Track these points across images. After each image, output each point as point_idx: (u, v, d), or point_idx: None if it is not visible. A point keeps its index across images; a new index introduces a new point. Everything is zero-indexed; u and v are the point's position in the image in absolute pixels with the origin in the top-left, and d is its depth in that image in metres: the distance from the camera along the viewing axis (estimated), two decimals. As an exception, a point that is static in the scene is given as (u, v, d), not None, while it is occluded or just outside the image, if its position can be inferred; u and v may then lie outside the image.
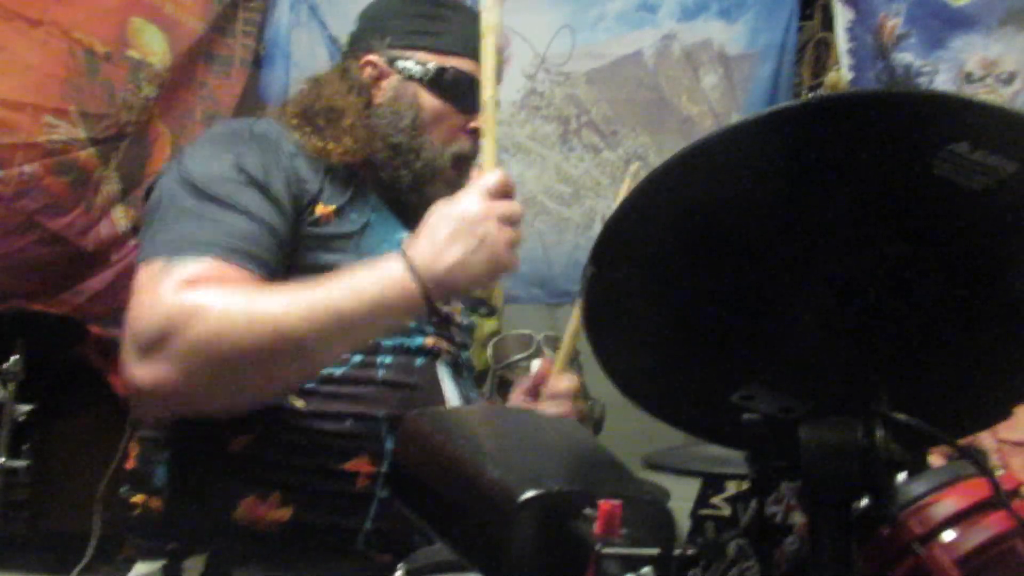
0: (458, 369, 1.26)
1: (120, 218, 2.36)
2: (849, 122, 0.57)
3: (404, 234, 1.25)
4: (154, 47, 2.35)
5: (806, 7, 2.76)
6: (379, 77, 1.31)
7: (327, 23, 2.78)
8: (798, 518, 0.68)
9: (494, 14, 1.17)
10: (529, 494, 0.62)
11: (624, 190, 1.23)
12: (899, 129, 0.57)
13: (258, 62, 2.71)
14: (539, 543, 0.62)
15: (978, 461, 0.65)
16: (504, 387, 2.26)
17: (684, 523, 2.22)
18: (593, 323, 0.66)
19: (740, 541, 0.67)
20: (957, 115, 0.56)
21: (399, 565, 0.93)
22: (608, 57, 2.80)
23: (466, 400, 1.23)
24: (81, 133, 2.20)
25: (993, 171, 0.56)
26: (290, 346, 1.01)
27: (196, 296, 1.01)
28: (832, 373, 0.64)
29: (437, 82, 1.29)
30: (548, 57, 2.80)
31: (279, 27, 2.76)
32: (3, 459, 2.16)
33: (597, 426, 2.27)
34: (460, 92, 1.29)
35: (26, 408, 2.21)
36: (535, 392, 1.35)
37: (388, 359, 1.16)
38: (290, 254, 1.14)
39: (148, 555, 1.12)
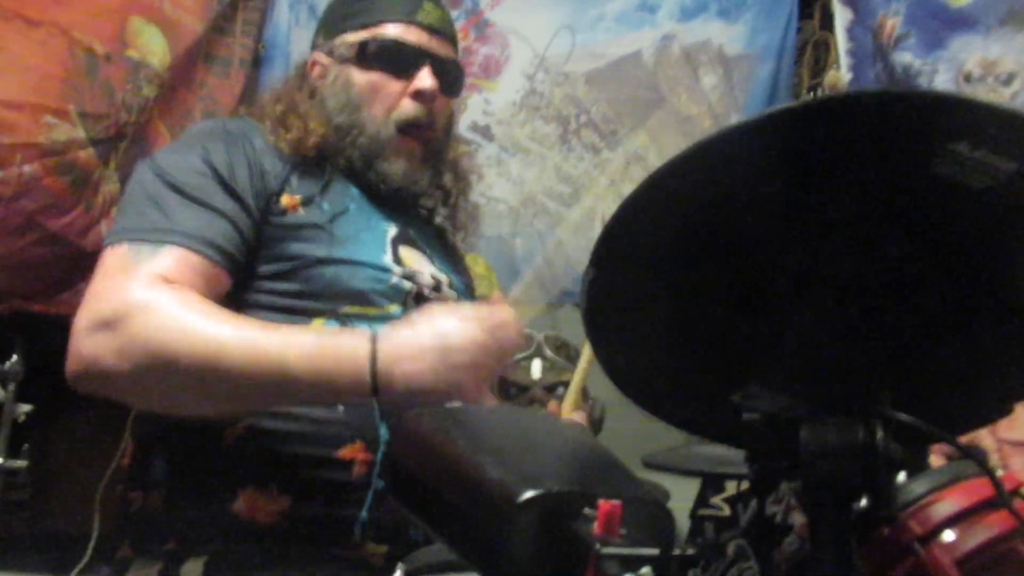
0: None
1: (120, 218, 2.36)
2: (849, 122, 0.57)
3: (384, 220, 1.27)
4: (154, 47, 2.35)
5: (805, 7, 2.76)
6: (323, 73, 1.34)
7: (327, 23, 2.78)
8: (798, 518, 0.68)
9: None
10: (529, 494, 0.62)
11: None
12: (899, 129, 0.56)
13: (257, 62, 2.71)
14: (538, 543, 0.62)
15: (979, 460, 0.65)
16: (504, 387, 2.26)
17: (683, 523, 2.22)
18: (594, 324, 0.66)
19: (740, 541, 0.67)
20: (957, 114, 0.56)
21: (398, 565, 0.93)
22: (607, 57, 2.80)
23: None
24: (81, 133, 2.20)
25: (993, 171, 0.56)
26: (219, 377, 1.01)
27: (159, 293, 1.03)
28: (832, 373, 0.64)
29: (364, 55, 1.30)
30: (548, 57, 2.80)
31: (278, 27, 2.76)
32: (2, 459, 2.16)
33: (597, 426, 2.27)
34: (389, 58, 1.30)
35: (26, 408, 2.20)
36: None
37: None
38: (256, 246, 1.16)
39: (145, 555, 1.12)
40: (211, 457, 1.10)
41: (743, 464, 0.67)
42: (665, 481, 1.92)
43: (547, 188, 2.80)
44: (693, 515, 2.26)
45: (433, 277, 1.27)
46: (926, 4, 2.44)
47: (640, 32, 2.78)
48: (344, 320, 1.16)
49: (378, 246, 1.24)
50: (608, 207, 2.72)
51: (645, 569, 0.61)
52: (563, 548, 0.62)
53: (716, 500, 2.24)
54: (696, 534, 2.17)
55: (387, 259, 1.23)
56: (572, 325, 2.31)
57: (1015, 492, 0.67)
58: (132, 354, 1.00)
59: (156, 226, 1.10)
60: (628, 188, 0.60)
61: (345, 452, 1.09)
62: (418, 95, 1.30)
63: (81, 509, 2.33)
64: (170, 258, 1.07)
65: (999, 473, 0.65)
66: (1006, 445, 1.67)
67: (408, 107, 1.30)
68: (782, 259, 0.62)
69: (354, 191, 1.28)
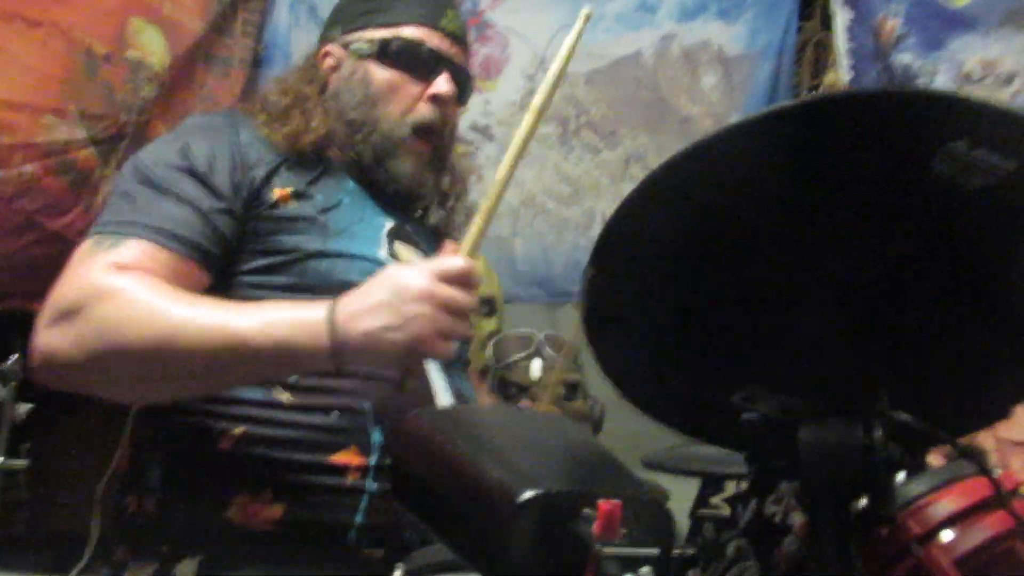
0: (448, 361, 1.26)
1: (119, 218, 2.36)
2: (847, 121, 0.57)
3: (380, 215, 1.26)
4: (153, 47, 2.35)
5: (805, 7, 2.76)
6: (336, 65, 1.33)
7: (326, 23, 2.78)
8: (797, 518, 0.68)
9: (541, 98, 1.11)
10: (528, 494, 0.62)
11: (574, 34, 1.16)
12: (898, 128, 0.57)
13: (257, 62, 2.71)
14: (538, 543, 0.62)
15: (978, 460, 0.65)
16: (504, 387, 2.26)
17: (683, 523, 2.22)
18: (593, 325, 0.66)
19: (739, 541, 0.67)
20: (955, 113, 0.56)
21: (397, 565, 0.93)
22: (607, 57, 2.80)
23: (457, 393, 1.22)
24: (80, 133, 2.20)
25: (992, 170, 0.56)
26: (175, 357, 1.00)
27: (115, 280, 1.03)
28: (832, 373, 0.64)
29: (385, 53, 1.30)
30: (548, 57, 2.79)
31: (278, 27, 2.76)
32: (2, 459, 2.16)
33: (596, 426, 2.27)
34: (411, 59, 1.30)
35: (25, 408, 2.20)
36: None
37: None
38: (241, 240, 1.16)
39: (141, 557, 1.12)
40: (206, 462, 1.09)
41: (743, 464, 0.67)
42: (665, 481, 1.91)
43: (547, 188, 2.80)
44: (693, 515, 2.26)
45: None
46: (926, 4, 2.44)
47: (640, 32, 2.78)
48: None
49: (372, 239, 1.24)
50: (608, 207, 2.72)
51: (645, 569, 0.61)
52: (563, 548, 0.62)
53: (716, 500, 2.24)
54: (696, 534, 2.16)
55: (381, 253, 1.23)
56: (572, 324, 2.31)
57: (1014, 492, 0.67)
58: (87, 343, 1.00)
59: (122, 219, 1.11)
60: (628, 188, 0.60)
61: (339, 458, 1.09)
62: (436, 99, 1.30)
63: (80, 509, 2.33)
64: (132, 250, 1.07)
65: (998, 473, 0.65)
66: (1005, 445, 1.68)
67: (424, 110, 1.30)
68: (782, 259, 0.62)
69: (350, 185, 1.28)
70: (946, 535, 0.63)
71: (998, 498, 0.64)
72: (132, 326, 1.00)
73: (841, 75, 2.57)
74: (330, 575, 1.07)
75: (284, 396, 1.10)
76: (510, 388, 2.22)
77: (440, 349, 1.01)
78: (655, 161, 0.59)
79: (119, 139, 2.28)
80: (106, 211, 1.16)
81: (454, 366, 1.27)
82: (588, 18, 1.13)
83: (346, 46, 1.33)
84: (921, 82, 2.41)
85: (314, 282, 1.15)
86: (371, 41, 1.31)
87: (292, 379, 1.11)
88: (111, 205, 1.16)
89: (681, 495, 2.16)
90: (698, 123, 2.75)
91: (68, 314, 1.02)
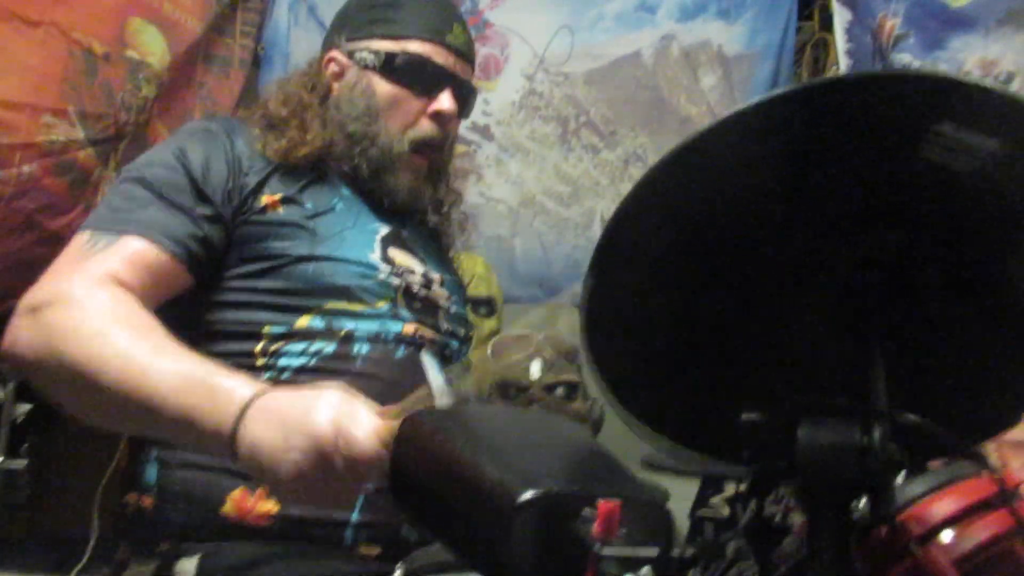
0: (447, 359, 1.26)
1: (119, 218, 2.36)
2: (835, 108, 0.57)
3: (375, 221, 1.27)
4: (153, 47, 2.35)
5: (805, 7, 2.76)
6: (340, 73, 1.33)
7: (326, 24, 2.77)
8: (797, 518, 0.68)
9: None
10: (528, 495, 0.62)
11: None
12: (884, 113, 0.56)
13: (257, 62, 2.71)
14: (538, 544, 0.62)
15: (978, 460, 0.65)
16: (503, 387, 2.26)
17: (683, 523, 2.22)
18: (592, 331, 0.65)
19: (739, 542, 0.67)
20: (936, 95, 0.56)
21: (397, 566, 0.93)
22: (607, 57, 2.80)
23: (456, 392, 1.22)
24: (80, 133, 2.20)
25: (977, 150, 0.56)
26: (93, 387, 0.96)
27: (88, 292, 1.03)
28: (831, 373, 0.64)
29: (390, 67, 1.29)
30: (547, 57, 2.80)
31: (278, 27, 2.76)
32: (2, 459, 2.16)
33: (596, 426, 2.27)
34: (415, 75, 1.29)
35: (25, 408, 2.20)
36: None
37: (365, 349, 1.16)
38: (229, 246, 1.16)
39: (141, 555, 1.12)
40: (199, 459, 1.10)
41: (742, 465, 0.67)
42: (664, 481, 1.91)
43: (546, 188, 2.80)
44: (692, 515, 2.26)
45: (424, 275, 1.27)
46: (925, 4, 2.44)
47: (639, 32, 2.78)
48: (330, 316, 1.16)
49: (365, 244, 1.24)
50: (607, 207, 2.72)
51: (645, 569, 0.61)
52: (563, 548, 0.62)
53: (715, 500, 2.24)
54: (695, 534, 2.17)
55: (374, 257, 1.23)
56: (571, 325, 2.31)
57: (1013, 492, 0.67)
58: (36, 344, 1.01)
59: (119, 216, 1.12)
60: (627, 188, 0.60)
61: None
62: (437, 116, 1.30)
63: (80, 509, 2.33)
64: (126, 250, 1.08)
65: (997, 473, 0.65)
66: (1005, 445, 1.68)
67: (425, 126, 1.30)
68: (779, 256, 0.62)
69: (345, 191, 1.28)
70: (945, 535, 0.63)
71: (999, 497, 0.64)
72: (73, 342, 0.98)
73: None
74: (327, 573, 1.07)
75: None
76: (509, 389, 2.22)
77: (300, 498, 0.90)
78: (654, 161, 0.59)
79: (118, 139, 2.28)
80: (101, 207, 1.17)
81: (454, 366, 1.27)
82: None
83: (350, 54, 1.32)
84: (920, 82, 2.40)
85: (302, 286, 1.16)
86: (376, 52, 1.30)
87: (285, 376, 1.11)
88: (106, 202, 1.17)
89: (681, 495, 2.16)
90: (698, 123, 2.75)
91: (34, 309, 1.03)
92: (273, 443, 0.86)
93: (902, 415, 0.60)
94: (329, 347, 1.14)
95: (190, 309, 1.17)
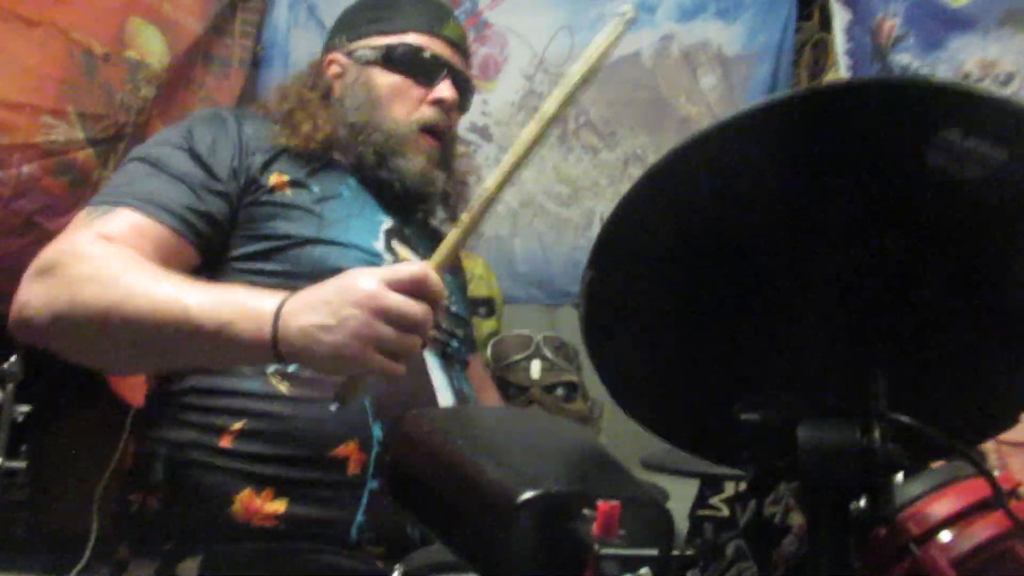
0: (448, 359, 1.26)
1: (119, 219, 2.36)
2: (841, 113, 0.57)
3: (380, 213, 1.27)
4: (152, 48, 2.35)
5: (804, 8, 2.76)
6: (341, 73, 1.36)
7: (325, 24, 2.78)
8: (796, 519, 0.68)
9: (530, 130, 1.05)
10: (527, 495, 0.62)
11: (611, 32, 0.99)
12: (891, 118, 0.57)
13: (257, 63, 2.71)
14: (537, 544, 0.62)
15: (976, 461, 0.65)
16: (503, 388, 2.26)
17: (682, 524, 2.22)
18: (592, 329, 0.66)
19: (738, 542, 0.67)
20: (946, 102, 0.56)
21: (396, 566, 0.93)
22: (606, 57, 2.80)
23: (457, 391, 1.22)
24: (79, 134, 2.19)
25: (985, 159, 0.56)
26: (124, 321, 0.99)
27: (95, 246, 1.05)
28: (831, 373, 0.64)
29: (389, 59, 1.33)
30: (547, 58, 2.80)
31: (277, 28, 2.76)
32: (2, 460, 2.16)
33: (596, 427, 2.27)
34: (413, 65, 1.33)
35: (25, 409, 2.20)
36: None
37: None
38: (235, 225, 1.18)
39: (143, 556, 1.12)
40: (208, 459, 1.10)
41: (742, 465, 0.67)
42: (664, 482, 1.91)
43: (546, 189, 2.80)
44: (692, 516, 2.26)
45: None
46: (925, 5, 2.44)
47: (639, 32, 2.78)
48: None
49: (370, 232, 1.24)
50: (607, 207, 2.71)
51: (644, 570, 0.61)
52: (562, 549, 0.62)
53: (715, 501, 2.24)
54: (695, 535, 2.16)
55: (378, 245, 1.23)
56: (571, 325, 2.31)
57: (1012, 492, 0.67)
58: (53, 299, 1.02)
59: (117, 191, 1.14)
60: (627, 189, 0.60)
61: (339, 451, 1.09)
62: (438, 103, 1.33)
63: (80, 510, 2.33)
64: (122, 219, 1.10)
65: (996, 474, 0.65)
66: (1004, 446, 1.68)
67: (428, 112, 1.33)
68: (779, 256, 0.62)
69: (351, 181, 1.29)
70: (944, 535, 0.63)
71: (997, 498, 0.64)
72: (92, 287, 1.00)
73: (840, 75, 2.57)
74: (330, 572, 1.07)
75: (283, 386, 1.11)
76: (509, 389, 2.22)
77: (374, 361, 0.92)
78: (655, 161, 0.59)
79: (118, 139, 2.28)
80: (106, 186, 1.20)
81: (455, 365, 1.27)
82: (630, 21, 1.00)
83: (350, 54, 1.36)
84: (920, 82, 2.40)
85: (307, 269, 1.16)
86: (375, 48, 1.34)
87: (291, 368, 1.11)
88: (110, 181, 1.20)
89: (680, 495, 2.15)
90: (697, 123, 2.75)
91: (45, 271, 1.04)
92: (324, 321, 0.91)
93: (897, 417, 0.60)
94: None
95: None
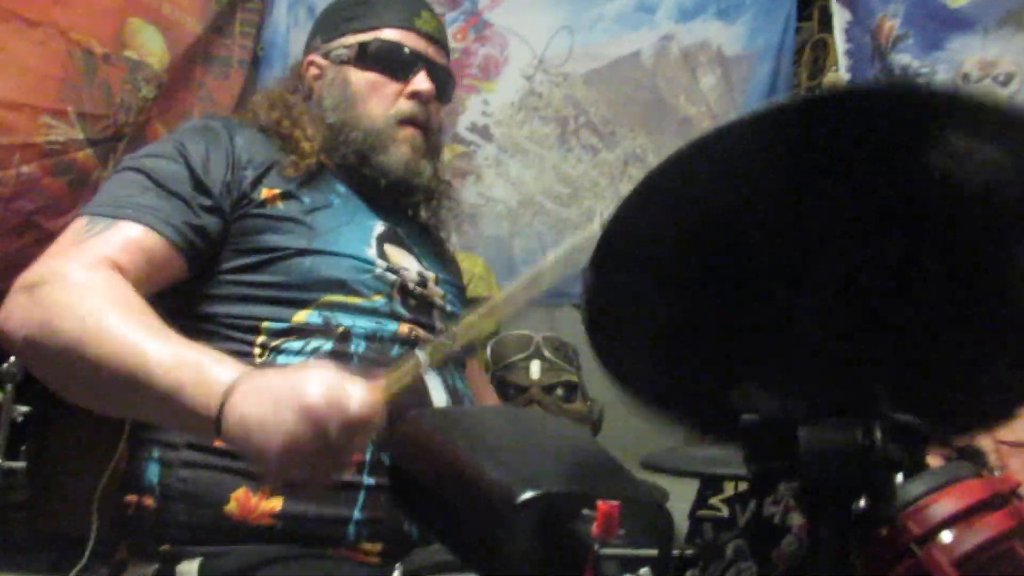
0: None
1: (118, 219, 2.36)
2: (843, 117, 0.57)
3: (371, 217, 1.27)
4: (152, 48, 2.35)
5: (804, 8, 2.77)
6: (320, 74, 1.37)
7: (325, 24, 2.78)
8: (796, 519, 0.68)
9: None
10: (527, 495, 0.62)
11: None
12: (892, 122, 0.56)
13: (256, 63, 2.71)
14: (537, 544, 0.62)
15: (976, 462, 0.65)
16: (503, 388, 2.26)
17: (682, 524, 2.22)
18: (594, 327, 0.66)
19: (738, 542, 0.67)
20: (949, 107, 0.56)
21: (396, 566, 0.93)
22: (606, 58, 2.80)
23: (452, 391, 1.22)
24: (79, 134, 2.20)
25: (987, 164, 0.56)
26: (86, 360, 0.96)
27: (82, 273, 1.04)
28: (831, 373, 0.64)
29: (363, 56, 1.33)
30: (546, 58, 2.80)
31: (277, 28, 2.76)
32: (1, 460, 2.16)
33: (595, 427, 2.27)
34: (389, 60, 1.33)
35: (24, 409, 2.20)
36: None
37: (362, 347, 1.17)
38: (226, 239, 1.17)
39: (141, 557, 1.12)
40: (202, 460, 1.10)
41: (741, 465, 0.67)
42: (663, 482, 1.91)
43: (546, 189, 2.80)
44: (692, 516, 2.26)
45: (419, 274, 1.28)
46: (924, 5, 2.44)
47: (639, 33, 2.78)
48: (328, 310, 1.16)
49: (361, 240, 1.24)
50: (606, 208, 2.71)
51: (644, 570, 0.61)
52: (562, 549, 0.62)
53: (715, 501, 2.24)
54: (695, 535, 2.17)
55: (370, 252, 1.23)
56: (571, 325, 2.31)
57: (1012, 493, 0.67)
58: (28, 319, 1.01)
59: (117, 201, 1.14)
60: (626, 188, 0.60)
61: None
62: (415, 96, 1.33)
63: (79, 510, 2.33)
64: (123, 234, 1.09)
65: (996, 474, 0.65)
66: (1004, 446, 1.68)
67: (405, 105, 1.33)
68: (780, 257, 0.62)
69: (341, 188, 1.29)
70: (945, 536, 0.63)
71: (997, 499, 0.64)
72: (66, 317, 0.99)
73: (840, 76, 2.57)
74: (330, 570, 1.07)
75: None
76: (509, 389, 2.22)
77: (290, 473, 0.88)
78: (654, 162, 0.59)
79: (118, 139, 2.28)
80: (100, 193, 1.18)
81: (449, 364, 1.27)
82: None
83: (327, 55, 1.37)
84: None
85: (298, 280, 1.16)
86: (349, 46, 1.35)
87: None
88: (106, 189, 1.19)
89: (680, 495, 2.16)
90: (697, 123, 2.75)
91: (29, 287, 1.03)
92: (263, 417, 0.85)
93: (897, 417, 0.60)
94: (327, 345, 1.15)
95: (187, 303, 1.18)
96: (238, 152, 1.22)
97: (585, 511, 0.62)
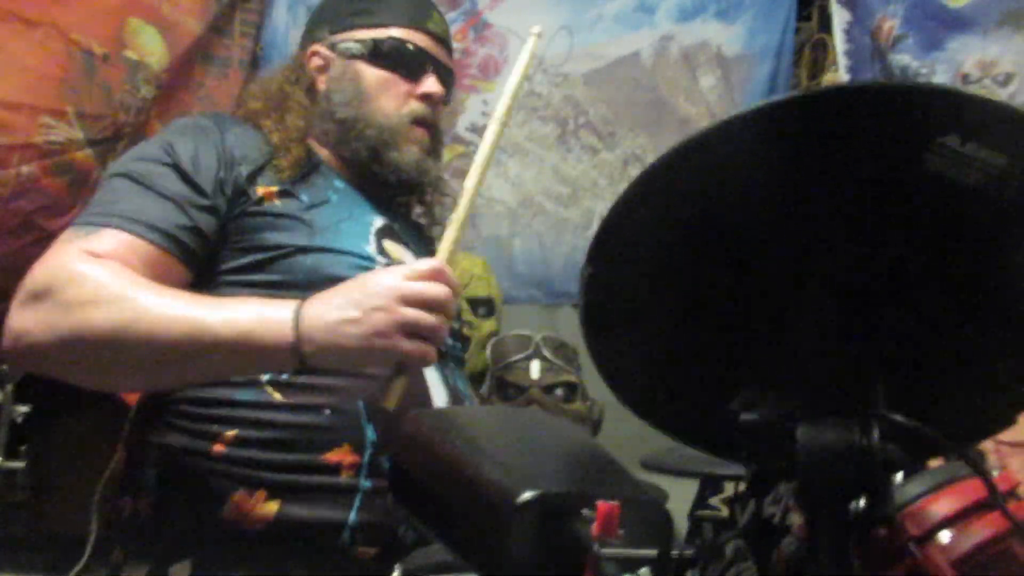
0: (442, 356, 1.26)
1: (118, 219, 2.36)
2: (839, 116, 0.57)
3: (369, 213, 1.27)
4: (152, 48, 2.35)
5: (803, 8, 2.77)
6: (325, 66, 1.35)
7: (325, 24, 2.78)
8: (796, 519, 0.68)
9: (502, 105, 1.20)
10: (527, 495, 0.62)
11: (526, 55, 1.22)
12: (890, 123, 0.57)
13: (256, 63, 2.71)
14: (537, 544, 0.62)
15: (974, 461, 0.65)
16: (503, 388, 2.26)
17: (682, 524, 2.22)
18: (591, 324, 0.66)
19: (738, 542, 0.67)
20: (946, 108, 0.56)
21: (395, 566, 0.93)
22: (606, 58, 2.80)
23: (452, 391, 1.22)
24: (78, 134, 2.19)
25: (984, 165, 0.56)
26: (137, 341, 0.99)
27: (86, 265, 1.04)
28: (830, 374, 0.64)
29: (376, 53, 1.33)
30: (546, 58, 2.79)
31: (276, 28, 2.76)
32: (1, 460, 2.16)
33: (595, 427, 2.27)
34: (401, 59, 1.33)
35: (24, 409, 2.20)
36: None
37: None
38: (225, 238, 1.16)
39: (136, 559, 1.11)
40: (200, 465, 1.09)
41: (741, 465, 0.67)
42: (663, 482, 1.92)
43: (545, 189, 2.80)
44: (691, 516, 2.26)
45: None
46: (924, 5, 2.44)
47: (638, 33, 2.78)
48: None
49: (361, 236, 1.24)
50: (606, 208, 2.71)
51: (643, 570, 0.61)
52: (561, 549, 0.62)
53: (714, 501, 2.24)
54: (694, 535, 2.17)
55: (370, 249, 1.23)
56: (571, 325, 2.31)
57: (1011, 493, 0.67)
58: (54, 325, 1.01)
59: (101, 211, 1.12)
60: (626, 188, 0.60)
61: (332, 456, 1.09)
62: (426, 97, 1.33)
63: (79, 510, 2.32)
64: (108, 239, 1.08)
65: (995, 474, 0.65)
66: (1003, 446, 1.68)
67: (416, 106, 1.33)
68: (778, 257, 0.62)
69: (338, 183, 1.29)
70: (944, 536, 0.63)
71: (995, 499, 0.64)
72: (97, 309, 1.00)
73: (839, 76, 2.57)
74: (325, 573, 1.07)
75: (276, 395, 1.10)
76: (509, 389, 2.22)
77: (405, 347, 0.98)
78: (653, 160, 0.59)
79: (117, 140, 2.28)
80: (89, 205, 1.17)
81: (449, 363, 1.27)
82: (539, 36, 1.22)
83: (333, 47, 1.35)
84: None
85: (300, 278, 1.16)
86: (362, 41, 1.33)
87: (284, 377, 1.10)
88: (93, 200, 1.18)
89: (680, 496, 2.16)
90: (697, 123, 2.75)
91: (38, 296, 1.03)
92: (349, 315, 0.97)
93: (897, 417, 0.60)
94: None
95: None
96: (229, 148, 1.20)
97: (585, 511, 0.62)
